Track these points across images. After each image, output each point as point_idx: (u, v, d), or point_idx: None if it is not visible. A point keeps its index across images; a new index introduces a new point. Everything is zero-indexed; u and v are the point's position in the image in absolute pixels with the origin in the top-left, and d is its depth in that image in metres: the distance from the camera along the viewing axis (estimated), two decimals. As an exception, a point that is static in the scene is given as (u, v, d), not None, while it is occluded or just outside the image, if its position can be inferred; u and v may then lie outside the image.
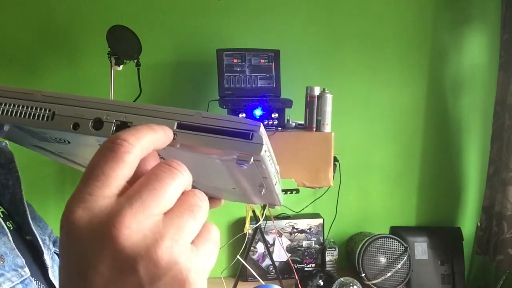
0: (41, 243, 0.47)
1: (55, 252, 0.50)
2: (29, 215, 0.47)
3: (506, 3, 2.10)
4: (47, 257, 0.46)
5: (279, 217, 2.23)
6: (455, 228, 2.37)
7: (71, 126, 0.29)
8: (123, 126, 0.28)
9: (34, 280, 0.43)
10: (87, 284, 0.22)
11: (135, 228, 0.22)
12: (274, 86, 2.01)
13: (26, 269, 0.42)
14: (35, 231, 0.47)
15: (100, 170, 0.24)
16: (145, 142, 0.25)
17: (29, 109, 0.29)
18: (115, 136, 0.25)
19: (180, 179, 0.25)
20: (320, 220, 2.25)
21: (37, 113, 0.29)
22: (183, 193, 0.26)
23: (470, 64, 2.33)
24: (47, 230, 0.52)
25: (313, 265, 2.23)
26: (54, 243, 0.51)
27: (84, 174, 0.24)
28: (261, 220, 1.96)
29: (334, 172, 1.86)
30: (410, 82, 2.32)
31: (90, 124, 0.29)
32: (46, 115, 0.29)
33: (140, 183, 0.24)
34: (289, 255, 2.19)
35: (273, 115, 1.85)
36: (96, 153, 0.25)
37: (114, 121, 0.29)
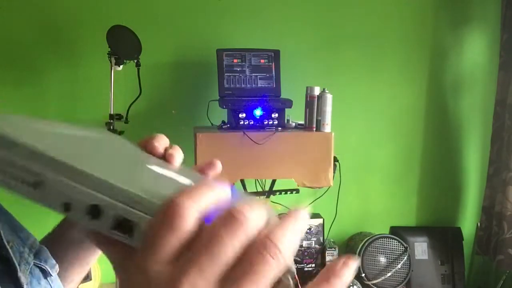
0: (14, 259, 0.42)
1: (36, 265, 0.45)
2: (0, 229, 0.43)
3: (506, 3, 2.10)
4: (22, 274, 0.42)
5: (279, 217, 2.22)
6: (455, 228, 2.37)
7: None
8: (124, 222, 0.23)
9: None
10: None
11: None
12: (274, 86, 2.01)
13: None
14: (7, 245, 0.43)
15: (152, 236, 0.23)
16: (203, 203, 0.24)
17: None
18: (171, 200, 0.23)
19: (243, 232, 0.23)
20: (320, 220, 2.24)
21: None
22: (250, 245, 0.23)
23: (470, 64, 2.33)
24: (29, 241, 0.47)
25: (313, 265, 2.23)
26: (36, 255, 0.46)
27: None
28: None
29: (334, 172, 1.86)
30: (410, 82, 2.32)
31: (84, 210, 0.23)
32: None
33: (197, 247, 0.23)
34: (289, 255, 2.19)
35: (273, 115, 1.85)
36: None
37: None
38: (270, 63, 2.01)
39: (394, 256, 2.13)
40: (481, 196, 2.30)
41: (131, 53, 1.83)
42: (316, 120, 1.83)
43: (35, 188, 0.23)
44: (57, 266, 0.47)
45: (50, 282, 0.46)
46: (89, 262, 0.51)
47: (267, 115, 1.85)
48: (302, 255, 2.23)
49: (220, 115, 1.98)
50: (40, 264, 0.45)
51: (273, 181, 2.05)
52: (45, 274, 0.45)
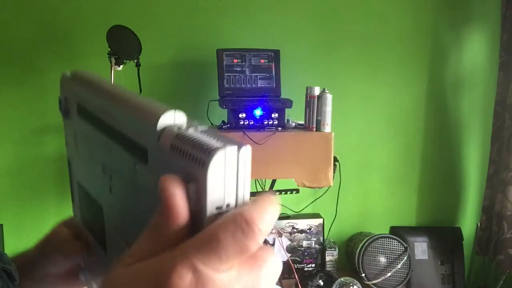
0: None
1: (3, 269, 0.44)
2: None
3: (506, 3, 2.10)
4: None
5: (279, 217, 2.21)
6: (455, 228, 2.37)
7: None
8: None
9: None
10: None
11: None
12: (274, 86, 2.01)
13: None
14: None
15: (223, 248, 0.23)
16: (270, 227, 0.24)
17: None
18: (251, 218, 0.23)
19: (251, 242, 0.24)
20: (320, 220, 2.24)
21: None
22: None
23: (470, 64, 2.33)
24: None
25: (313, 265, 2.23)
26: None
27: (203, 238, 0.23)
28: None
29: (334, 172, 1.86)
30: (410, 82, 2.32)
31: None
32: None
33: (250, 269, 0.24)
34: (289, 255, 2.19)
35: (273, 115, 1.85)
36: (221, 222, 0.23)
37: None
38: (270, 63, 2.01)
39: (394, 256, 2.13)
40: (481, 196, 2.30)
41: (131, 53, 1.83)
42: (316, 120, 1.83)
43: None
44: (17, 273, 0.46)
45: None
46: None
47: (267, 115, 1.85)
48: (302, 255, 2.23)
49: (220, 115, 1.98)
50: (5, 267, 0.44)
51: (273, 181, 2.06)
52: (10, 277, 0.44)
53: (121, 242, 0.34)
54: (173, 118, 0.27)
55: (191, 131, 0.26)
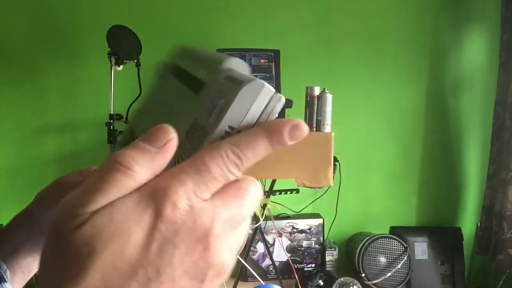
0: None
1: None
2: None
3: (506, 3, 2.10)
4: None
5: (279, 217, 2.22)
6: (455, 228, 2.37)
7: None
8: None
9: None
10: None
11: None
12: (274, 86, 2.00)
13: None
14: None
15: (211, 175, 0.24)
16: (254, 157, 0.26)
17: None
18: (236, 145, 0.25)
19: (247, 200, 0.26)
20: (320, 220, 2.25)
21: None
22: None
23: (470, 64, 2.33)
24: None
25: (313, 265, 2.23)
26: None
27: (193, 164, 0.24)
28: (261, 220, 1.96)
29: (334, 172, 1.85)
30: (410, 82, 2.32)
31: None
32: None
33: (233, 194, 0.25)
34: (289, 255, 2.19)
35: (273, 115, 1.85)
36: (209, 149, 0.25)
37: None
38: (270, 63, 2.01)
39: (394, 256, 2.13)
40: (481, 196, 2.30)
41: (131, 53, 1.83)
42: (316, 120, 1.83)
43: None
44: (8, 271, 0.45)
45: None
46: (31, 271, 0.48)
47: (267, 115, 1.85)
48: (302, 255, 2.23)
49: (220, 115, 1.97)
50: None
51: (273, 181, 2.06)
52: (0, 279, 0.44)
53: None
54: (233, 62, 0.32)
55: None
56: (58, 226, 0.22)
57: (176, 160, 0.26)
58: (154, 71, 0.49)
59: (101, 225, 0.21)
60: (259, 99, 0.26)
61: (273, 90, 0.27)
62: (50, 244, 0.22)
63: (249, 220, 0.27)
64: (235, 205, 0.24)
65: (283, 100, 0.27)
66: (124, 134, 0.50)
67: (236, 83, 0.27)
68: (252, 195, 0.26)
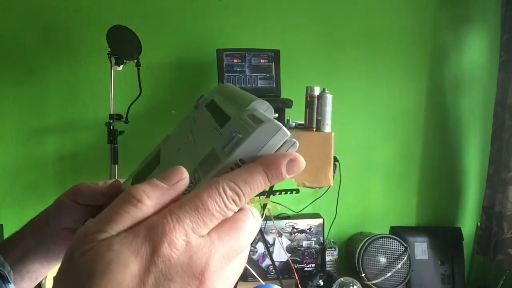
0: None
1: None
2: None
3: (506, 3, 2.10)
4: None
5: (279, 217, 2.22)
6: (455, 228, 2.37)
7: None
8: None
9: None
10: None
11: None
12: (274, 86, 2.01)
13: None
14: None
15: (208, 212, 0.25)
16: (252, 192, 0.27)
17: None
18: (233, 182, 0.26)
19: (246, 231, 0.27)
20: (320, 220, 2.25)
21: None
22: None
23: (470, 64, 2.33)
24: None
25: (313, 265, 2.23)
26: None
27: (190, 201, 0.25)
28: (261, 220, 1.95)
29: (334, 172, 1.86)
30: (410, 82, 2.32)
31: None
32: None
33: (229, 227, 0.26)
34: (289, 255, 2.19)
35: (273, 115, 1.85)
36: (207, 186, 0.26)
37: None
38: (270, 63, 2.01)
39: (394, 256, 2.13)
40: (481, 196, 2.30)
41: (131, 53, 1.83)
42: (316, 120, 1.83)
43: None
44: (11, 272, 0.46)
45: None
46: (39, 277, 0.49)
47: (267, 115, 1.84)
48: (302, 255, 2.23)
49: (220, 115, 1.97)
50: None
51: (273, 181, 2.06)
52: (4, 279, 0.44)
53: None
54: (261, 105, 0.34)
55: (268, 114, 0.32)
56: (71, 250, 0.24)
57: (190, 181, 0.29)
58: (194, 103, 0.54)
59: (101, 253, 0.23)
60: (273, 140, 0.28)
61: (289, 133, 0.28)
62: (63, 265, 0.24)
63: (246, 251, 0.27)
64: (231, 239, 0.25)
65: (297, 145, 0.28)
66: (153, 151, 0.54)
67: (256, 121, 0.29)
68: (249, 227, 0.26)
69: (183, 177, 0.27)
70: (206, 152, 0.32)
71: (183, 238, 0.24)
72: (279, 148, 0.28)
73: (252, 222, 0.27)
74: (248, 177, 0.26)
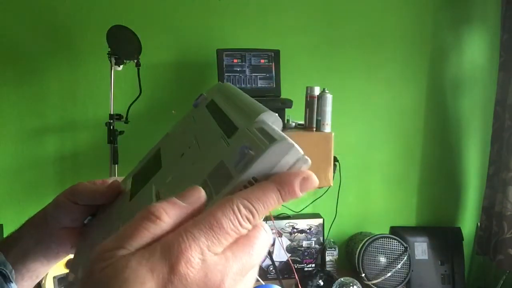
0: None
1: None
2: None
3: (506, 3, 2.10)
4: None
5: (279, 217, 2.22)
6: (455, 228, 2.37)
7: None
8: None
9: None
10: None
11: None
12: (274, 86, 2.01)
13: None
14: None
15: (223, 231, 0.26)
16: (266, 210, 0.28)
17: None
18: (247, 200, 0.27)
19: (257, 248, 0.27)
20: (320, 220, 2.24)
21: None
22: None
23: (470, 64, 2.33)
24: None
25: (313, 265, 2.23)
26: None
27: (205, 220, 0.25)
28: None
29: (334, 172, 1.86)
30: (410, 82, 2.32)
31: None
32: None
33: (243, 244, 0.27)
34: (289, 255, 2.19)
35: (273, 115, 1.85)
36: (220, 204, 0.26)
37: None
38: (270, 63, 2.01)
39: (394, 256, 2.13)
40: (481, 196, 2.30)
41: (131, 53, 1.83)
42: (316, 120, 1.83)
43: None
44: (13, 271, 0.46)
45: None
46: (39, 275, 0.50)
47: (267, 115, 1.84)
48: (302, 255, 2.23)
49: (220, 115, 1.97)
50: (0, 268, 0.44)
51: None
52: (5, 279, 0.44)
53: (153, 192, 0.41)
54: (269, 116, 0.34)
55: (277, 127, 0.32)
56: (91, 265, 0.24)
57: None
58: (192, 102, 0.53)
59: (119, 269, 0.23)
60: (286, 158, 0.28)
61: (302, 152, 0.28)
62: (83, 279, 0.25)
63: (258, 266, 0.28)
64: (245, 256, 0.26)
65: (309, 162, 0.29)
66: (153, 149, 0.53)
67: (268, 138, 0.29)
68: (261, 243, 0.27)
69: (200, 195, 0.28)
70: (214, 164, 0.32)
71: (199, 256, 0.24)
72: (292, 165, 0.28)
73: (264, 238, 0.27)
74: (261, 195, 0.27)
